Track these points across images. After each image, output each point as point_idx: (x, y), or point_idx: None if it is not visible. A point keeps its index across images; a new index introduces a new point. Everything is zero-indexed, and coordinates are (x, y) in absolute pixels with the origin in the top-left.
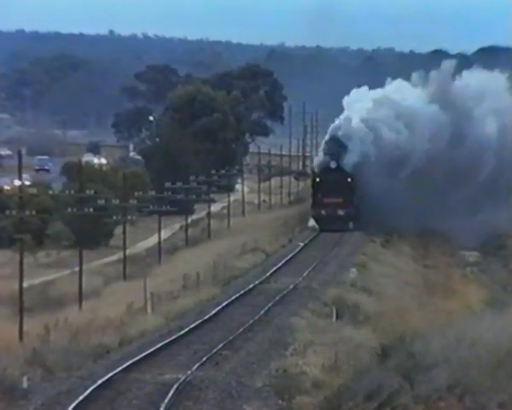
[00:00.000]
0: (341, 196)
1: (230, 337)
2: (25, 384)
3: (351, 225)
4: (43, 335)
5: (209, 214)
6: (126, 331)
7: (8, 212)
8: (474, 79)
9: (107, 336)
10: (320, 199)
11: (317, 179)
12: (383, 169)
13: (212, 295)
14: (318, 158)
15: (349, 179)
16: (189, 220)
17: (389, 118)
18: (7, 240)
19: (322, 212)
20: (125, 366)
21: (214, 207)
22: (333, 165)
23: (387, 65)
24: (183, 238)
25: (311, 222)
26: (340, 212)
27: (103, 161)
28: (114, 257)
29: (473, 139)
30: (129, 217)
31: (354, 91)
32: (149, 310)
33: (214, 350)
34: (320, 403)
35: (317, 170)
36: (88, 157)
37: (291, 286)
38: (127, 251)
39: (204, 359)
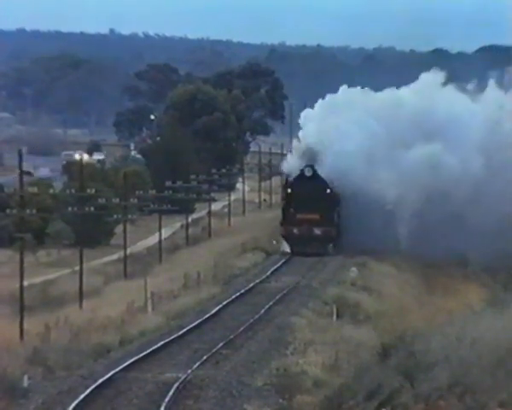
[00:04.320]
0: (318, 212)
1: (231, 336)
2: (25, 383)
3: (330, 248)
4: (43, 334)
5: (210, 213)
6: (127, 330)
7: (8, 211)
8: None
9: (107, 335)
10: (292, 215)
11: (289, 190)
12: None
13: (212, 294)
14: (288, 163)
15: (328, 191)
16: (190, 219)
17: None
18: (7, 239)
19: (295, 231)
20: (125, 365)
21: (215, 206)
22: (308, 172)
23: (388, 64)
24: (184, 237)
25: (284, 246)
26: (317, 231)
27: (99, 157)
28: (115, 256)
29: None
30: (129, 216)
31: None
32: (150, 309)
33: (214, 349)
34: (320, 402)
35: (288, 178)
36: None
37: (291, 285)
38: (128, 250)
39: (204, 358)
